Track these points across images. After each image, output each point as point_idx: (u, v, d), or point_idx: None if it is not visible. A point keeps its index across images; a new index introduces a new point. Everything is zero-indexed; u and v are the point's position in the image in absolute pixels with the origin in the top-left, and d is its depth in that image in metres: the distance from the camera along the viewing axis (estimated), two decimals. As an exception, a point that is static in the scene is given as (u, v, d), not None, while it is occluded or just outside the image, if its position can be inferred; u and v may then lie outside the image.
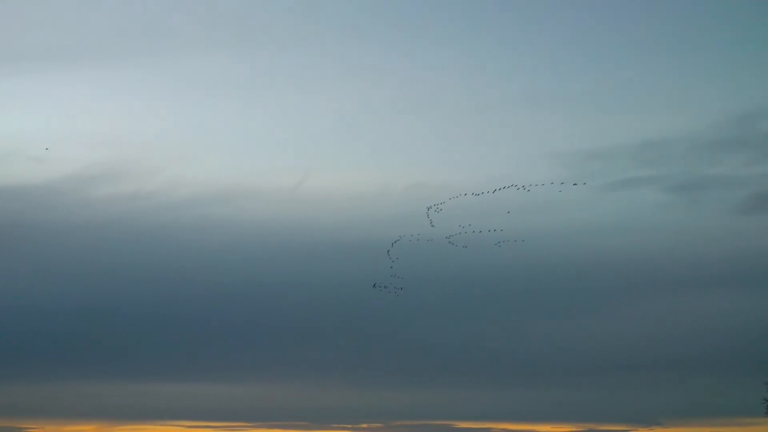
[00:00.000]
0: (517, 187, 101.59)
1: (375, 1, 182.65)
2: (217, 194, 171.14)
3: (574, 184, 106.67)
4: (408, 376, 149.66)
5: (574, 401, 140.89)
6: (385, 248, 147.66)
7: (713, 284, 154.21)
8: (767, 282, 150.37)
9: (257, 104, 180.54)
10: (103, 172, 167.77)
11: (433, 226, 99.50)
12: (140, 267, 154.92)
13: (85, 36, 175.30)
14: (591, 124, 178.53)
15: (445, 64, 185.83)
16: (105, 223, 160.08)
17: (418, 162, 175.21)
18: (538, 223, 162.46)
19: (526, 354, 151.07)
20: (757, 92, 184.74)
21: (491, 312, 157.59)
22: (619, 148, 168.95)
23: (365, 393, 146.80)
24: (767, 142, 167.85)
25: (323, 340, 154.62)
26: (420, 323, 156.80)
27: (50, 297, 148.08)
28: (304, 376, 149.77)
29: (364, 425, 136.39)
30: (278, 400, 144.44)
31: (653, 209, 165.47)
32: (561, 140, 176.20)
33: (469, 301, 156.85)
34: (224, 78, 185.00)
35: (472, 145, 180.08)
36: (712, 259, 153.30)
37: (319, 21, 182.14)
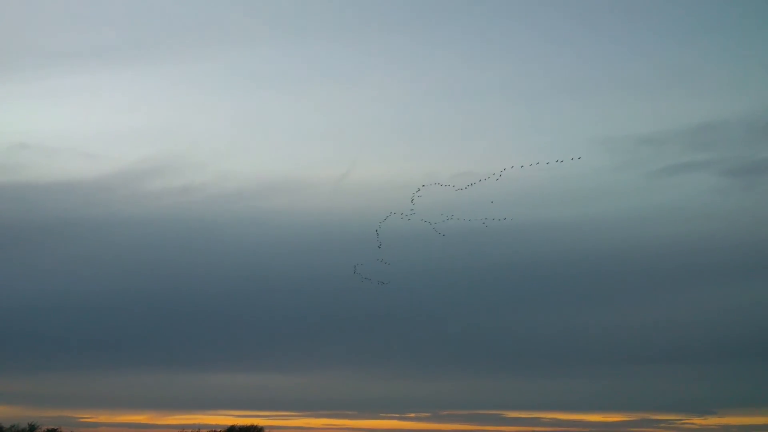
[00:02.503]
0: (496, 178, 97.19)
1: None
2: (265, 186, 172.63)
3: (558, 160, 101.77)
4: (456, 366, 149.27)
5: (626, 390, 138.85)
6: (432, 241, 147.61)
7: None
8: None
9: (303, 97, 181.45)
10: (153, 167, 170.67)
11: (413, 212, 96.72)
12: (190, 259, 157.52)
13: (132, 35, 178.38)
14: (641, 108, 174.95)
15: (491, 53, 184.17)
16: (156, 217, 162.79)
17: (465, 151, 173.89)
18: (588, 210, 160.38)
19: (576, 343, 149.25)
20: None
21: (540, 301, 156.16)
22: (672, 132, 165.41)
23: (413, 383, 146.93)
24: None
25: (371, 331, 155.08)
26: (469, 314, 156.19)
27: (102, 290, 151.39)
28: (353, 366, 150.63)
29: (412, 414, 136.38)
30: (327, 389, 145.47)
31: (707, 194, 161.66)
32: (610, 126, 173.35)
33: (517, 292, 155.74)
34: (271, 72, 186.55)
35: (520, 132, 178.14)
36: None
37: (365, 15, 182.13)
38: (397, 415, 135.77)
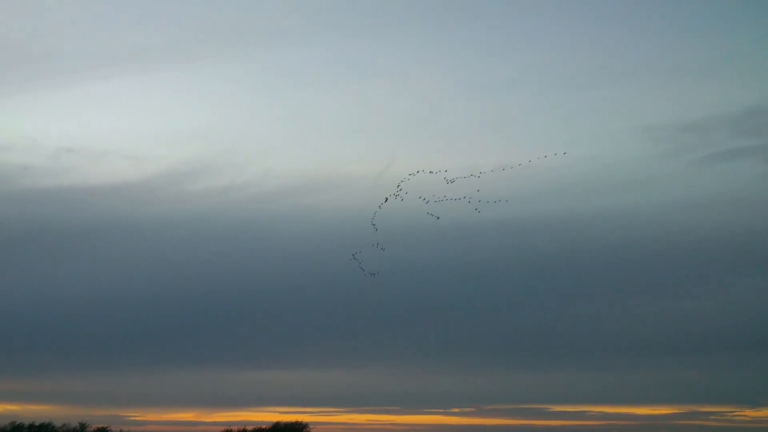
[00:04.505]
0: (478, 175, 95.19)
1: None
2: (305, 184, 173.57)
3: (541, 156, 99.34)
4: (501, 361, 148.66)
5: (675, 382, 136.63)
6: (477, 233, 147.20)
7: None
8: None
9: (342, 94, 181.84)
10: (196, 167, 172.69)
11: (401, 192, 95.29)
12: (234, 258, 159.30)
13: (172, 36, 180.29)
14: (685, 94, 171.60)
15: (528, 43, 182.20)
16: (200, 216, 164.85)
17: (507, 142, 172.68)
18: (632, 200, 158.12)
19: (623, 335, 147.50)
20: None
21: (585, 293, 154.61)
22: (716, 118, 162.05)
23: (457, 377, 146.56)
24: None
25: (415, 326, 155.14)
26: (513, 308, 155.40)
27: (149, 290, 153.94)
28: (397, 362, 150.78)
29: (456, 409, 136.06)
30: (370, 385, 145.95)
31: (755, 181, 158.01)
32: (654, 113, 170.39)
33: (561, 284, 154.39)
34: (309, 70, 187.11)
35: (562, 122, 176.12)
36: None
37: (401, 11, 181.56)
38: (441, 410, 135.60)
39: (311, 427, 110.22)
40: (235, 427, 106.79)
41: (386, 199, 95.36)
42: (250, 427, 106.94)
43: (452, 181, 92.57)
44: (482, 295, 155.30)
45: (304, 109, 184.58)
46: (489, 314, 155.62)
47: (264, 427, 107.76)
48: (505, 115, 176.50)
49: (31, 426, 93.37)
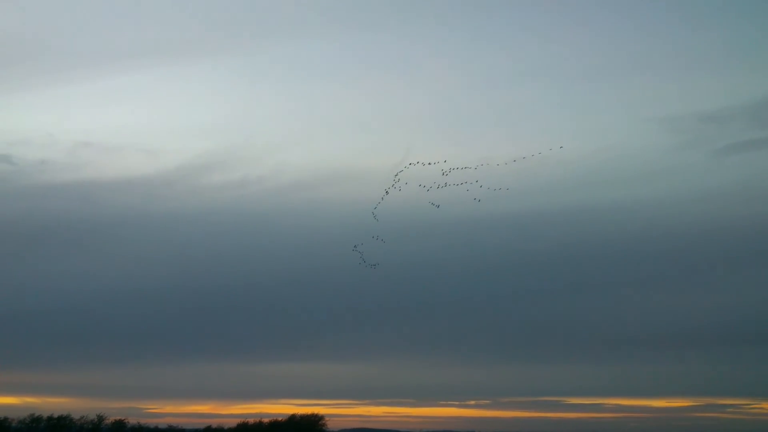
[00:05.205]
0: (475, 167, 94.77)
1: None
2: (319, 177, 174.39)
3: (534, 154, 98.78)
4: (516, 353, 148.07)
5: (691, 375, 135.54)
6: (493, 224, 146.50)
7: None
8: None
9: (356, 88, 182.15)
10: (211, 161, 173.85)
11: (398, 181, 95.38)
12: (249, 252, 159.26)
13: (188, 31, 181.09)
14: (703, 85, 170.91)
15: (548, 32, 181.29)
16: (215, 210, 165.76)
17: (520, 135, 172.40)
18: (650, 191, 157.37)
19: (639, 327, 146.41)
20: None
21: (604, 286, 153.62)
22: (735, 108, 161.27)
23: (473, 370, 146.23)
24: None
25: (431, 319, 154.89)
26: (529, 301, 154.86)
27: (166, 283, 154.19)
28: (413, 355, 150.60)
29: (472, 402, 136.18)
30: (386, 378, 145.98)
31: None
32: (672, 104, 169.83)
33: (577, 277, 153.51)
34: (323, 64, 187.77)
35: (578, 114, 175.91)
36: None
37: (413, 6, 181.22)
38: (457, 403, 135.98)
39: (327, 419, 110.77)
40: (251, 419, 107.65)
41: (387, 192, 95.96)
42: (266, 419, 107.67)
43: (446, 174, 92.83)
44: (499, 287, 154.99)
45: (318, 103, 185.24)
46: (506, 307, 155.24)
47: (280, 419, 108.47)
48: (519, 107, 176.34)
49: (50, 418, 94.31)
